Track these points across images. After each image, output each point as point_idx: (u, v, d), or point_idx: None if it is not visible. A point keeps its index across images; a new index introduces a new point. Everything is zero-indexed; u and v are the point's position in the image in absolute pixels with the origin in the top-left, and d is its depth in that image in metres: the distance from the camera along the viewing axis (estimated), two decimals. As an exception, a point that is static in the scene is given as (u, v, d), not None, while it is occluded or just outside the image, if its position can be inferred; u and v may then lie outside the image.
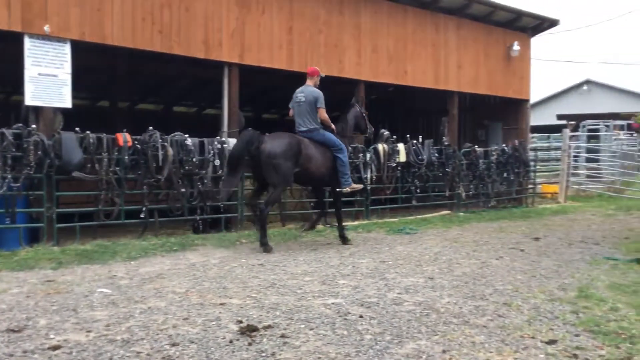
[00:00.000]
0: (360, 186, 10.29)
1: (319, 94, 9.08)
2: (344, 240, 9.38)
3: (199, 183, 10.05)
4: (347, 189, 9.28)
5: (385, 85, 14.81)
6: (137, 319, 5.02)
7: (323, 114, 9.09)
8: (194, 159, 9.97)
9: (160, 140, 9.57)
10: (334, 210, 9.75)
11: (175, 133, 9.98)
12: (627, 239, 10.36)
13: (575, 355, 4.29)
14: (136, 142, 9.44)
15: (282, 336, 4.61)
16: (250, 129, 8.94)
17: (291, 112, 9.39)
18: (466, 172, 14.69)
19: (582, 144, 21.62)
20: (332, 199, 10.00)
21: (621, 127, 24.24)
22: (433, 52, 14.70)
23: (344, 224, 9.71)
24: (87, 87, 17.05)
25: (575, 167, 20.60)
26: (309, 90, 9.12)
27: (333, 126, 9.36)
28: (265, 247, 8.47)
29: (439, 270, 7.29)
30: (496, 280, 6.77)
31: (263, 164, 8.50)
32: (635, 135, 21.61)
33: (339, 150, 9.14)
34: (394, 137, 13.41)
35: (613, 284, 6.64)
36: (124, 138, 9.29)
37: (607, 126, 22.95)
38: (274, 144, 8.54)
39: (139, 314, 5.17)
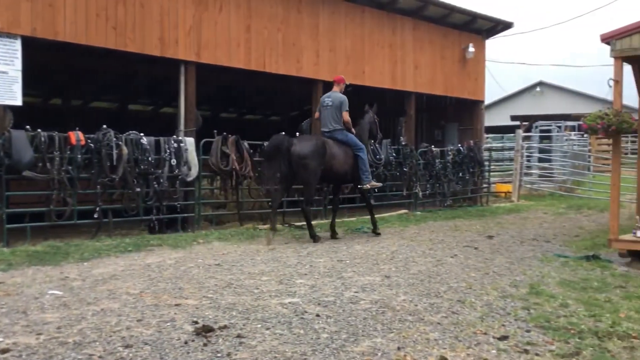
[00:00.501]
0: (378, 185, 11.09)
1: (345, 98, 9.97)
2: (375, 230, 10.41)
3: (154, 182, 9.91)
4: (367, 186, 10.10)
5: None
6: (89, 321, 4.91)
7: (347, 116, 9.94)
8: (150, 158, 9.83)
9: (114, 139, 9.41)
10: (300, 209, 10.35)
11: (130, 132, 9.82)
12: (577, 236, 10.67)
13: (526, 351, 4.39)
14: (89, 140, 9.24)
15: (238, 336, 4.58)
16: (280, 133, 9.52)
17: (317, 115, 10.29)
18: (423, 171, 14.88)
19: (534, 144, 22.14)
20: (289, 199, 10.68)
21: (572, 128, 24.92)
22: (390, 53, 14.85)
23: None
24: (39, 85, 16.60)
25: (528, 167, 21.09)
26: (335, 96, 10.03)
27: (353, 130, 10.18)
28: (314, 238, 9.46)
29: (395, 269, 7.36)
30: (451, 278, 6.88)
31: (294, 164, 9.30)
32: (585, 135, 22.23)
33: (359, 149, 9.97)
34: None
35: (563, 280, 6.83)
36: (76, 137, 9.08)
37: (558, 127, 23.56)
38: (303, 145, 9.38)
39: (92, 316, 5.06)
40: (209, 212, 11.64)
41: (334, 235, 10.05)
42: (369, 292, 6.12)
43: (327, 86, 13.67)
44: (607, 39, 8.17)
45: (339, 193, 10.70)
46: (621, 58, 8.17)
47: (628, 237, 8.22)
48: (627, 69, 8.86)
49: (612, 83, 8.20)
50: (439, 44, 16.16)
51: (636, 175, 9.82)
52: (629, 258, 8.04)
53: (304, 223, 11.39)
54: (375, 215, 12.90)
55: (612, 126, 7.85)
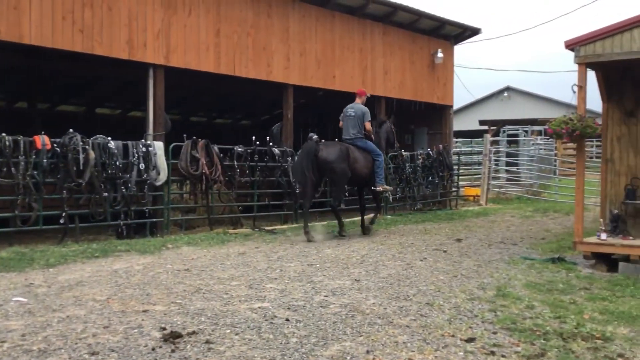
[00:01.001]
0: (390, 188, 12.15)
1: (367, 110, 11.03)
2: (367, 230, 11.11)
3: (122, 187, 9.79)
4: (380, 188, 11.09)
5: (315, 89, 14.90)
6: (54, 328, 4.83)
7: (368, 126, 10.96)
8: (117, 163, 9.72)
9: (81, 143, 9.28)
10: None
11: (97, 136, 9.70)
12: (544, 239, 10.85)
13: (492, 352, 4.45)
14: (55, 144, 9.10)
15: (207, 342, 4.55)
16: (309, 141, 10.45)
17: (341, 124, 11.17)
18: (393, 175, 14.97)
19: (502, 149, 22.45)
20: (263, 203, 11.33)
21: (539, 132, 25.36)
22: (360, 58, 14.94)
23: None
24: (4, 88, 16.31)
25: (496, 171, 21.37)
26: (358, 107, 10.98)
27: (372, 137, 11.14)
28: (341, 233, 10.53)
29: (365, 273, 7.39)
30: (420, 281, 6.94)
31: (320, 168, 10.32)
32: (551, 140, 22.65)
33: (377, 155, 11.02)
34: (323, 140, 13.50)
35: (529, 282, 6.94)
36: (42, 141, 8.93)
37: (525, 131, 23.94)
38: (329, 151, 10.38)
39: (57, 323, 4.98)
40: (178, 217, 11.55)
41: (365, 232, 11.04)
42: (339, 296, 6.14)
43: (297, 90, 13.74)
44: (571, 45, 8.33)
45: (363, 195, 11.65)
46: (585, 64, 8.34)
47: (592, 239, 8.38)
48: (592, 74, 9.07)
49: (576, 89, 8.37)
50: (408, 49, 16.32)
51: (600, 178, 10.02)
52: (593, 260, 8.20)
53: (275, 228, 11.46)
54: (346, 220, 13.06)
55: (576, 131, 8.00)
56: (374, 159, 10.95)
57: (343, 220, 11.01)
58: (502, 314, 5.49)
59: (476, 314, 5.49)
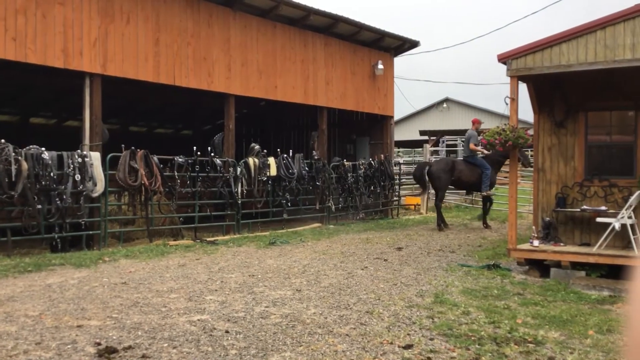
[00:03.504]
0: (492, 193, 15.10)
1: (474, 134, 14.20)
2: (486, 225, 14.44)
3: (57, 199, 9.50)
4: (485, 193, 14.35)
5: (257, 99, 14.87)
6: (-18, 347, 4.64)
7: (472, 146, 14.10)
8: (52, 174, 9.42)
9: (13, 154, 8.96)
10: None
11: (31, 146, 9.39)
12: (480, 246, 11.13)
13: (429, 359, 4.54)
14: (-15, 155, 8.75)
15: (143, 356, 4.47)
16: (422, 162, 13.52)
17: (461, 146, 14.91)
18: (335, 185, 15.09)
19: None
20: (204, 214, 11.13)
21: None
22: (302, 68, 15.01)
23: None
24: None
25: (436, 180, 21.76)
26: (469, 133, 14.36)
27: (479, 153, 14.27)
28: (440, 227, 13.90)
29: (307, 282, 7.41)
30: (360, 289, 7.01)
31: (433, 178, 14.12)
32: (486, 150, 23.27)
33: (486, 168, 14.04)
34: (265, 151, 13.52)
35: (466, 289, 7.11)
36: (-29, 151, 8.59)
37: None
38: (437, 166, 14.37)
39: (-15, 342, 4.78)
40: (116, 229, 11.28)
41: (487, 226, 14.38)
42: (280, 306, 6.13)
43: (239, 100, 13.69)
44: (503, 58, 8.62)
45: (485, 200, 15.01)
46: (517, 77, 8.65)
47: (525, 246, 8.67)
48: (523, 86, 9.41)
49: (508, 101, 8.66)
50: (349, 60, 16.52)
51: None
52: (527, 266, 8.48)
53: (216, 238, 11.36)
54: (289, 230, 13.10)
55: (509, 141, 8.28)
56: (482, 171, 13.99)
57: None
58: (439, 321, 5.61)
59: (414, 321, 5.59)
